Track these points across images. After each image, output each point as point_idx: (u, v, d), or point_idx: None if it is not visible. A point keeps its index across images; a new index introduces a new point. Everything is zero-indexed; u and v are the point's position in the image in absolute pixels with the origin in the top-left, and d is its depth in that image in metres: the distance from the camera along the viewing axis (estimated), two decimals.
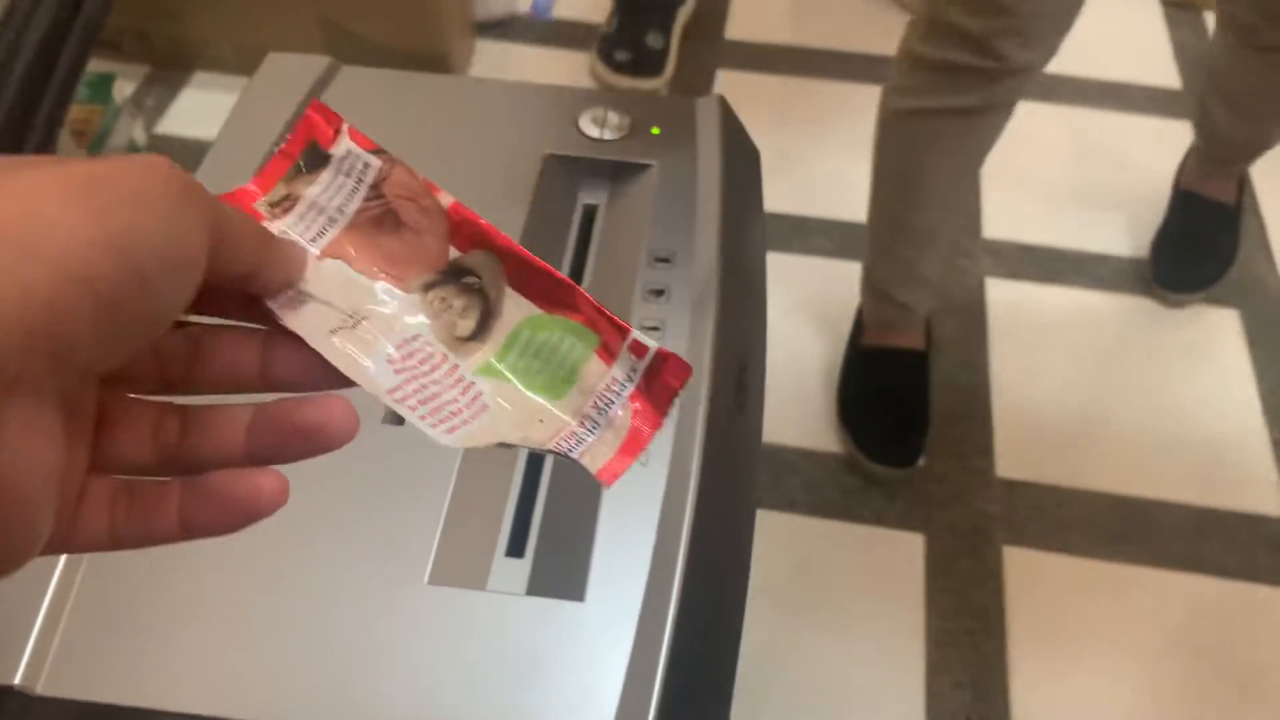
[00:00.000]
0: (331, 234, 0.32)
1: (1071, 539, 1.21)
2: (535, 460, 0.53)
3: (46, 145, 0.98)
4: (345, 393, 0.29)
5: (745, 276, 0.62)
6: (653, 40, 1.64)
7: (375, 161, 0.33)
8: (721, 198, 0.62)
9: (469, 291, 0.32)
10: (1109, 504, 1.24)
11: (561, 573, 0.48)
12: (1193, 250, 1.43)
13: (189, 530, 0.28)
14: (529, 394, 0.31)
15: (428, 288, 0.32)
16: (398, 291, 0.32)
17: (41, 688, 0.44)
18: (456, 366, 0.31)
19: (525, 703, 0.44)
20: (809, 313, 1.40)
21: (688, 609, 0.47)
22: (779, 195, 1.52)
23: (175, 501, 0.27)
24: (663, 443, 0.52)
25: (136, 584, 0.47)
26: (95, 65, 1.12)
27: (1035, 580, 1.18)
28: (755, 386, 0.58)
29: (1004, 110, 1.05)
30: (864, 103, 1.71)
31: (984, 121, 1.05)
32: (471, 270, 0.32)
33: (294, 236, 0.31)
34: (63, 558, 0.47)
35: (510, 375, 0.31)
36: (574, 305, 0.32)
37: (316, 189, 0.32)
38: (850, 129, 1.63)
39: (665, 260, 0.60)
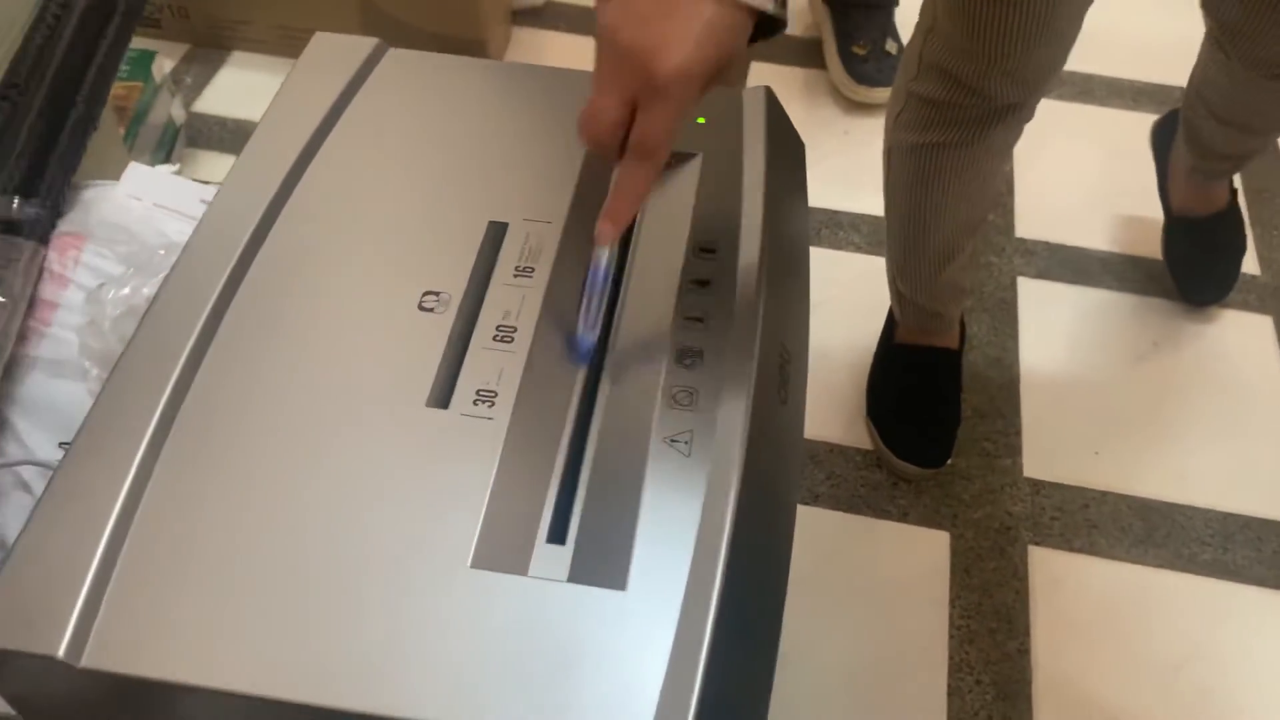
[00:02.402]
0: None
1: (1097, 541, 1.21)
2: (577, 446, 0.53)
3: (90, 118, 0.99)
4: None
5: (789, 268, 0.61)
6: None
7: None
8: (766, 188, 0.62)
9: None
10: (1135, 507, 1.23)
11: (603, 561, 0.48)
12: (1210, 263, 1.42)
13: None
14: None
15: None
16: None
17: (84, 661, 0.44)
18: None
19: (566, 689, 0.44)
20: (838, 307, 1.39)
21: (730, 601, 0.47)
22: (810, 189, 1.51)
23: None
24: (706, 434, 0.52)
25: (178, 560, 0.47)
26: (135, 41, 1.13)
27: (1059, 581, 1.18)
28: (797, 379, 0.58)
29: (1007, 135, 1.04)
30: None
31: (987, 149, 1.04)
32: None
33: None
34: (106, 532, 0.47)
35: None
36: None
37: None
38: (870, 126, 1.62)
39: (709, 251, 0.59)
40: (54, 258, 0.91)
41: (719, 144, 0.65)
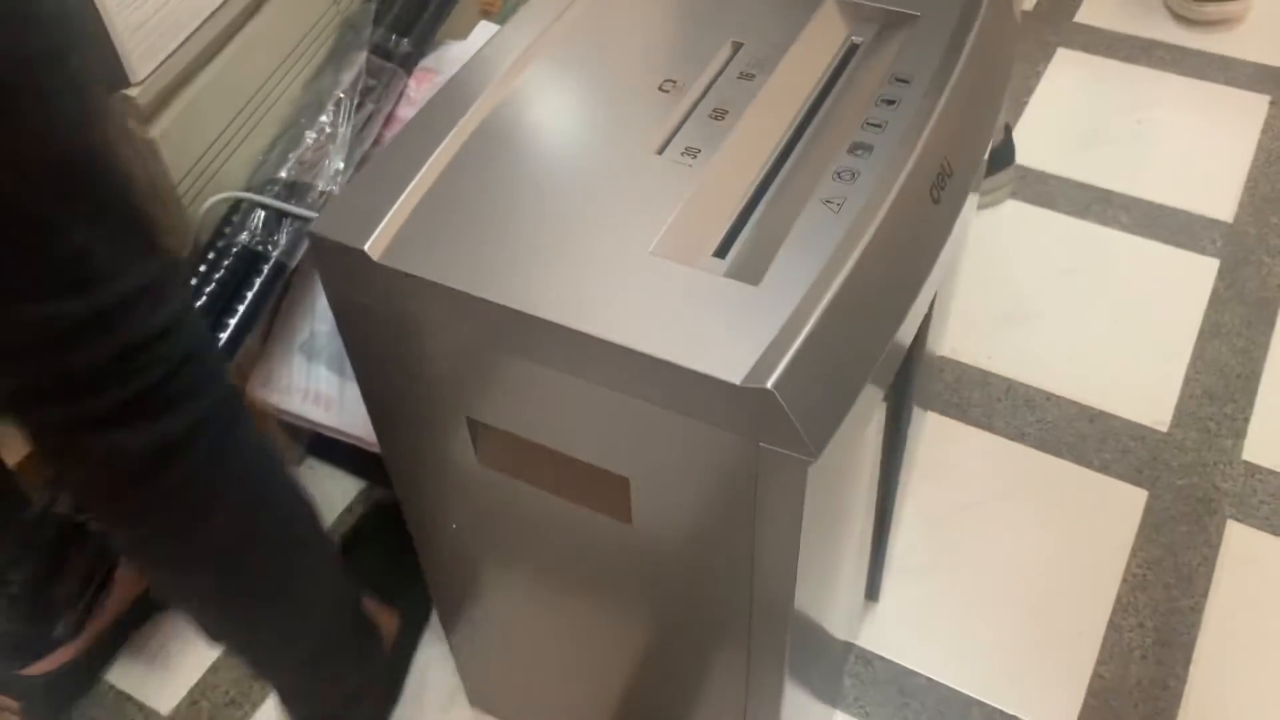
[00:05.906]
0: None
1: None
2: (753, 200, 0.67)
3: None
4: None
5: (973, 110, 0.72)
6: None
7: None
8: (972, 43, 0.73)
9: None
10: None
11: (749, 268, 0.62)
12: None
13: None
14: None
15: None
16: None
17: (379, 257, 0.63)
18: None
19: (694, 334, 0.58)
20: (1090, 276, 1.43)
21: (838, 309, 0.59)
22: (1091, 166, 1.56)
23: None
24: (855, 201, 0.64)
25: (470, 206, 0.65)
26: None
27: (1254, 560, 1.17)
28: (956, 190, 0.69)
29: None
30: (1189, 100, 1.71)
31: None
32: None
33: None
34: (418, 176, 0.66)
35: None
36: None
37: None
38: (1167, 119, 1.64)
39: (904, 81, 0.71)
40: (412, 85, 1.15)
41: (940, 11, 0.76)
